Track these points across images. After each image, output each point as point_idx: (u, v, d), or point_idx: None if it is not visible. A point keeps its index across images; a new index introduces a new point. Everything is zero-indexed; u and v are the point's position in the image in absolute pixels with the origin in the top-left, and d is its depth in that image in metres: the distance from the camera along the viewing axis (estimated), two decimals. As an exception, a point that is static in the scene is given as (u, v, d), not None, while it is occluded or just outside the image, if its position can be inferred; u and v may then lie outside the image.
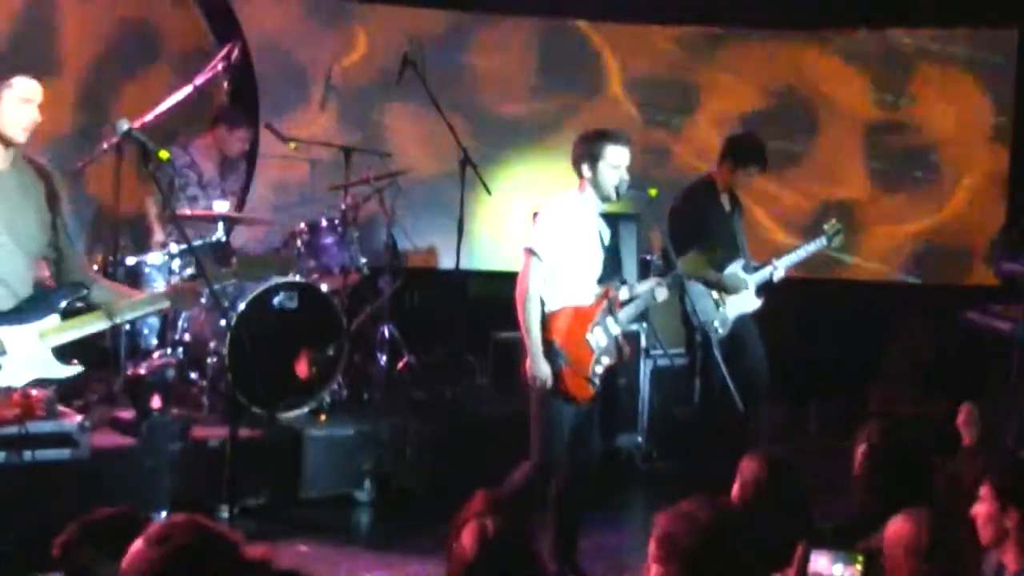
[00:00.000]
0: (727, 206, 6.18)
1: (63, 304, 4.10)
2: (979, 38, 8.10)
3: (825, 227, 6.37)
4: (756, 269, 6.17)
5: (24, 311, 4.01)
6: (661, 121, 8.44)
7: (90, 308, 4.21)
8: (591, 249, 4.97)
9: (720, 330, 5.99)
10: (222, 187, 6.87)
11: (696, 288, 5.91)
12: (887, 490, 3.65)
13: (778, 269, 6.18)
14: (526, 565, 2.59)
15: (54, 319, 4.04)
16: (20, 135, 3.99)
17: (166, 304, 4.35)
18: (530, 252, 4.85)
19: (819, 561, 3.19)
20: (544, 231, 4.87)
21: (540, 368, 4.78)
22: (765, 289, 6.18)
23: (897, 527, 3.01)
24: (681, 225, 5.91)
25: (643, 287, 5.10)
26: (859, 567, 3.15)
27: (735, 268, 6.11)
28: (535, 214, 5.07)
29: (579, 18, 8.38)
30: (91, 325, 4.12)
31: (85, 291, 4.17)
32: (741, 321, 6.09)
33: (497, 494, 2.86)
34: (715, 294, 6.02)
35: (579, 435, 4.93)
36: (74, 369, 4.16)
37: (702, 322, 5.87)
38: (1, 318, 3.96)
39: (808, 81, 8.38)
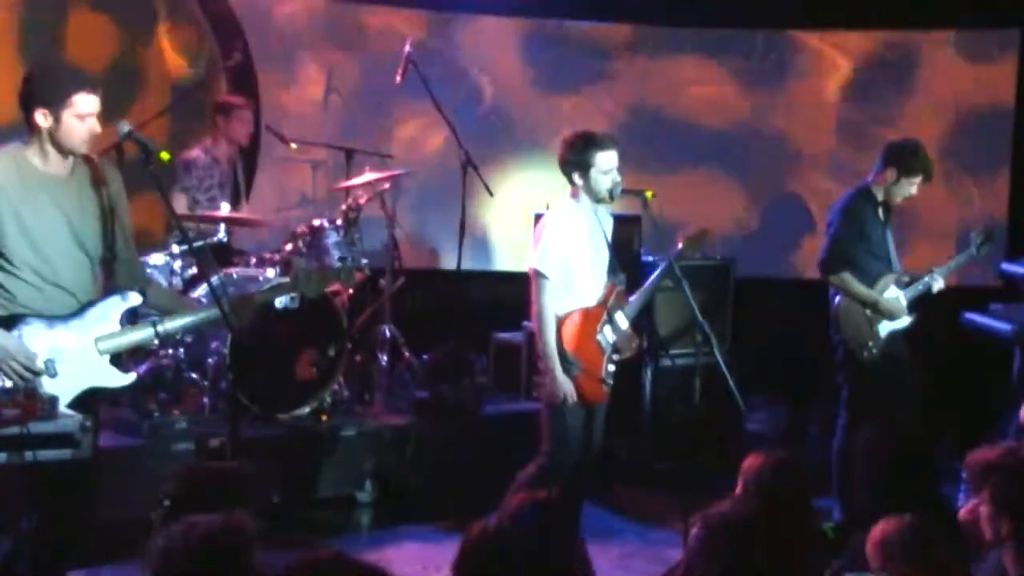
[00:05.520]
0: (883, 217, 5.86)
1: (120, 310, 4.08)
2: (980, 38, 8.10)
3: (972, 234, 6.13)
4: (909, 283, 5.88)
5: (83, 317, 3.98)
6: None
7: (142, 315, 4.18)
8: (595, 250, 4.97)
9: (874, 350, 5.77)
10: (231, 186, 6.92)
11: (849, 307, 5.78)
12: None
13: (937, 279, 5.89)
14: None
15: (111, 325, 4.03)
16: (80, 147, 3.94)
17: (216, 316, 4.20)
18: (537, 274, 4.87)
19: None
20: (546, 249, 4.87)
21: (563, 386, 4.81)
22: (918, 303, 5.89)
23: (879, 530, 3.01)
24: (843, 236, 5.77)
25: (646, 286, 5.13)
26: None
27: (890, 283, 5.83)
28: (536, 216, 5.09)
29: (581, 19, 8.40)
30: (140, 335, 4.10)
31: (142, 296, 4.14)
32: (892, 339, 5.83)
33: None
34: (868, 312, 5.76)
35: (586, 435, 4.96)
36: (129, 377, 4.11)
37: (854, 342, 5.76)
38: (61, 323, 3.93)
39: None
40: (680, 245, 5.20)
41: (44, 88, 3.91)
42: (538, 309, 4.86)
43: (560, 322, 4.87)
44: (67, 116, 3.88)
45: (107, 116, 3.99)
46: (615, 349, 4.96)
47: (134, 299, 4.09)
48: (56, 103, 3.87)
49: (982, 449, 3.55)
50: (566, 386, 4.81)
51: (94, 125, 3.92)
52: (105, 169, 4.12)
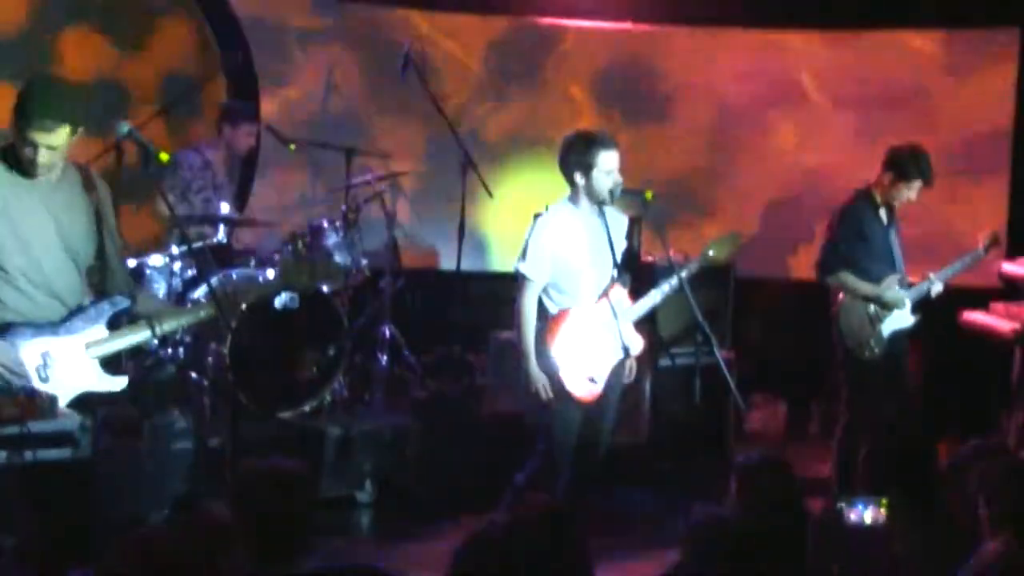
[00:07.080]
0: (884, 219, 5.89)
1: (109, 315, 4.07)
2: (980, 39, 8.09)
3: (980, 237, 6.18)
4: (911, 285, 5.93)
5: (72, 322, 3.98)
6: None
7: (133, 319, 4.15)
8: (595, 252, 4.95)
9: (876, 349, 5.80)
10: (230, 188, 6.91)
11: (851, 306, 5.80)
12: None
13: (936, 283, 5.93)
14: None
15: (101, 330, 4.02)
16: (32, 172, 3.91)
17: (210, 313, 4.24)
18: (517, 273, 4.90)
19: (849, 512, 3.49)
20: (528, 250, 4.89)
21: (536, 381, 4.84)
22: (920, 306, 5.94)
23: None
24: (842, 240, 5.80)
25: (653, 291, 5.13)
26: (883, 509, 3.46)
27: (893, 284, 5.85)
28: (536, 216, 5.08)
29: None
30: (135, 336, 4.09)
31: (130, 302, 4.14)
32: (894, 339, 5.86)
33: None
34: (872, 309, 5.79)
35: (586, 434, 4.95)
36: (121, 381, 4.12)
37: (855, 341, 5.78)
38: (49, 330, 3.93)
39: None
40: (708, 248, 5.18)
41: (20, 109, 3.88)
42: (516, 306, 4.91)
43: (553, 320, 4.88)
44: (23, 145, 3.87)
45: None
46: (607, 350, 4.95)
47: (121, 303, 4.09)
48: (22, 127, 3.86)
49: (960, 453, 3.58)
50: (539, 381, 4.83)
51: (46, 155, 3.87)
52: (92, 178, 4.10)
